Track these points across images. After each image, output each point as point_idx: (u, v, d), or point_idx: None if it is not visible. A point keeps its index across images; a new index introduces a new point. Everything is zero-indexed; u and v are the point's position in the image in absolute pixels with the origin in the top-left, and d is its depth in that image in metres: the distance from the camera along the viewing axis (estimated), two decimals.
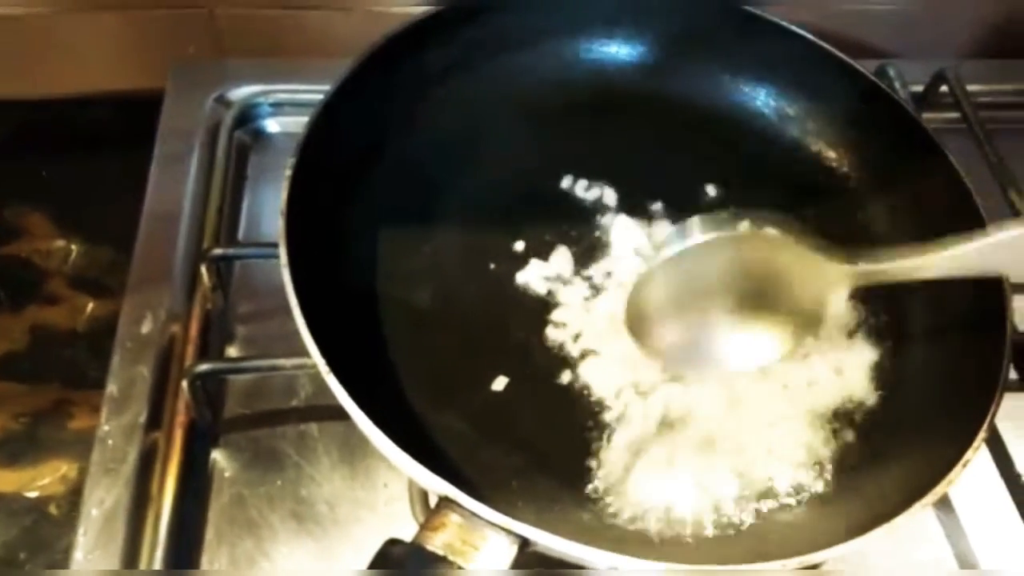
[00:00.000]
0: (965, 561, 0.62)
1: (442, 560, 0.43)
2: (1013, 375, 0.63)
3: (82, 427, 0.65)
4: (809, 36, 0.72)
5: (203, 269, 0.66)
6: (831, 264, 0.56)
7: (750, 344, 0.59)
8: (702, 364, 0.60)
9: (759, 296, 0.57)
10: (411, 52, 0.69)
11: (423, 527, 0.45)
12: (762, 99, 0.76)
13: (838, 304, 0.64)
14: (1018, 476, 0.64)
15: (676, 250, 0.56)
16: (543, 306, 0.65)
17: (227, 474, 0.62)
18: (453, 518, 0.45)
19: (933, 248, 0.54)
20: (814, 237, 0.56)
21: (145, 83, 0.81)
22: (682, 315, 0.58)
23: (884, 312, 0.67)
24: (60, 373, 0.69)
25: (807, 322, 0.59)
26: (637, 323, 0.58)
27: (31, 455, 0.65)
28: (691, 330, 0.59)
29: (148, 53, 0.84)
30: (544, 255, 0.68)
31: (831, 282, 0.57)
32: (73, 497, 0.61)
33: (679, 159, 0.74)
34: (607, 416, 0.61)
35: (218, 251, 0.67)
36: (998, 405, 0.55)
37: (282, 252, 0.54)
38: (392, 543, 0.44)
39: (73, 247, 0.76)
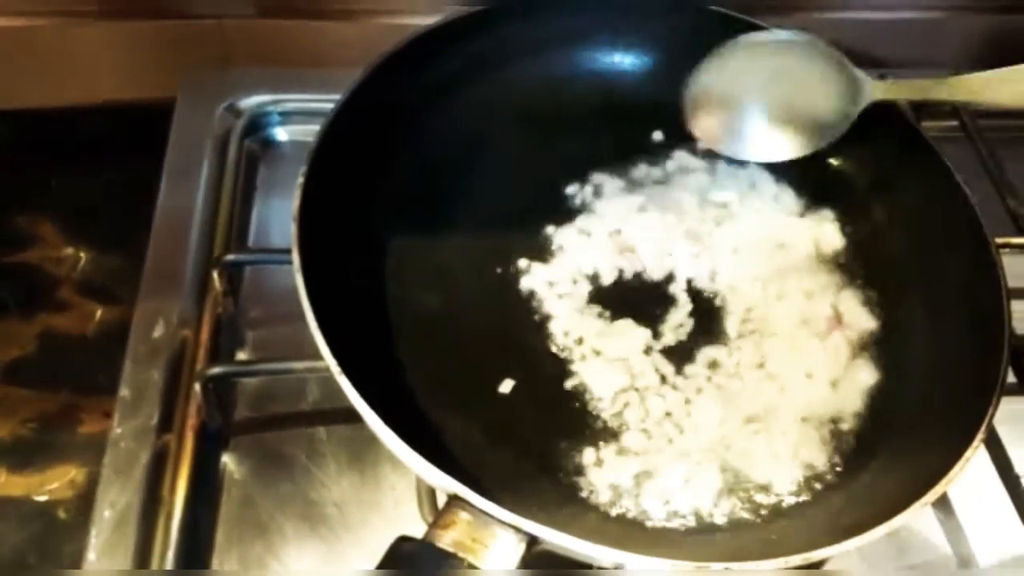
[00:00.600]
0: (964, 561, 0.62)
1: (452, 557, 0.44)
2: (1012, 378, 0.64)
3: (91, 432, 0.66)
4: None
5: (215, 275, 0.67)
6: (860, 75, 0.69)
7: (783, 134, 0.70)
8: (741, 146, 0.71)
9: (795, 93, 0.70)
10: (418, 63, 0.70)
11: (433, 525, 0.46)
12: None
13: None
14: (1017, 478, 0.65)
15: (732, 45, 0.70)
16: (547, 310, 0.66)
17: (237, 476, 0.63)
18: (462, 516, 0.46)
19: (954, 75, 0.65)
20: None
21: (155, 93, 0.82)
22: (731, 101, 0.71)
23: (883, 314, 0.68)
24: (69, 379, 0.69)
25: (832, 123, 0.69)
26: (694, 105, 0.71)
27: (40, 460, 0.65)
28: (737, 113, 0.71)
29: (158, 63, 0.85)
30: (549, 260, 0.69)
31: (857, 90, 0.69)
32: (82, 502, 0.61)
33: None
34: (609, 417, 0.61)
35: (230, 257, 0.68)
36: (996, 407, 0.56)
37: (295, 257, 0.55)
38: (403, 540, 0.45)
39: (82, 255, 0.77)
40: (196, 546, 0.59)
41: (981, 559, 0.62)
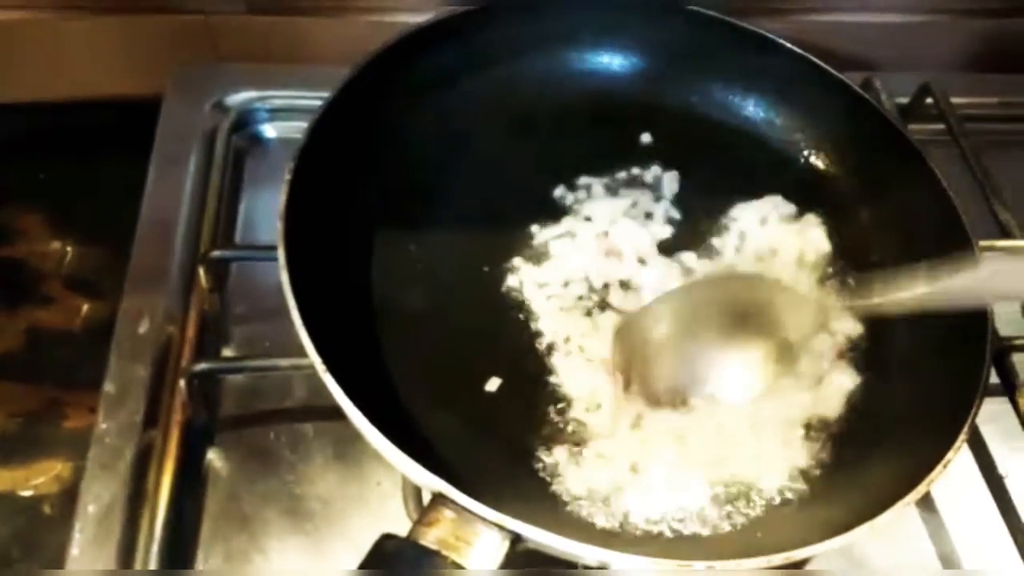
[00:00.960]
0: (948, 561, 0.63)
1: (436, 555, 0.44)
2: (995, 379, 0.65)
3: (76, 427, 0.66)
4: (795, 48, 0.73)
5: (201, 271, 0.67)
6: (815, 303, 0.62)
7: (737, 378, 0.62)
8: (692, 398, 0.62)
9: (744, 333, 0.62)
10: (408, 61, 0.70)
11: (417, 522, 0.46)
12: (751, 109, 0.78)
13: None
14: (1000, 478, 0.66)
15: (666, 293, 0.62)
16: (533, 310, 0.66)
17: (223, 472, 0.63)
18: (446, 514, 0.46)
19: (918, 282, 0.58)
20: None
21: (142, 88, 0.81)
22: (671, 354, 0.62)
23: (868, 316, 0.67)
24: (55, 373, 0.69)
25: (791, 354, 0.62)
26: (625, 364, 0.62)
27: (25, 454, 0.65)
28: (680, 368, 0.62)
29: (146, 58, 0.85)
30: (535, 261, 0.69)
31: (815, 318, 0.62)
32: (67, 497, 0.61)
33: (670, 167, 0.75)
34: (594, 419, 0.61)
35: (216, 253, 0.68)
36: (979, 408, 0.56)
37: (280, 254, 0.54)
38: (387, 538, 0.45)
39: (68, 249, 0.77)
40: (181, 541, 0.59)
41: (964, 557, 0.63)
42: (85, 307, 0.74)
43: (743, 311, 0.62)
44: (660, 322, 0.62)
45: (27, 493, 0.64)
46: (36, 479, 0.64)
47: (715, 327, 0.62)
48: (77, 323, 0.73)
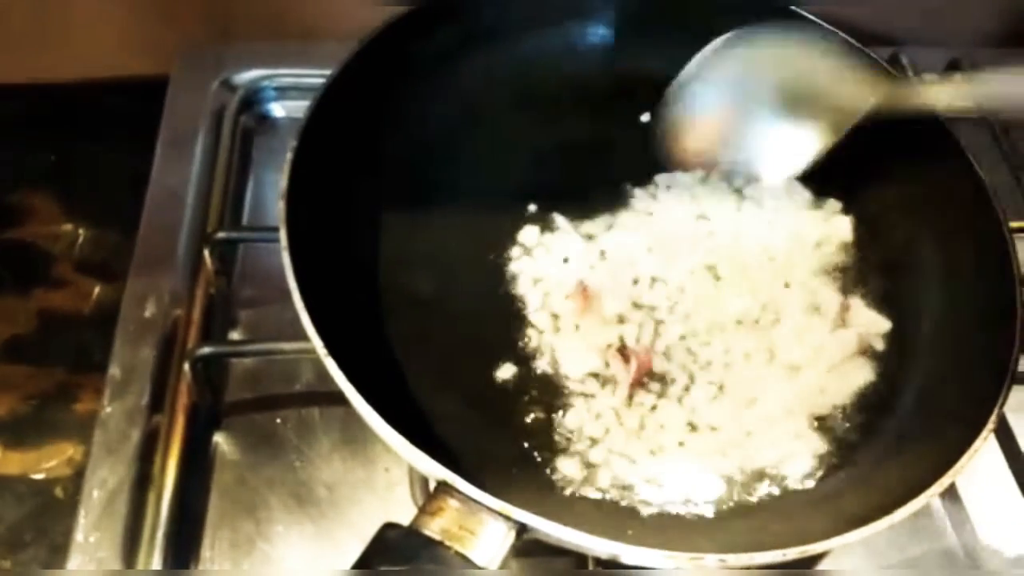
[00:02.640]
0: (970, 552, 0.61)
1: (439, 545, 0.43)
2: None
3: (88, 410, 0.65)
4: (820, 21, 0.70)
5: (207, 253, 0.66)
6: (859, 85, 0.60)
7: (783, 145, 0.61)
8: (739, 163, 0.62)
9: (792, 101, 0.61)
10: (412, 39, 0.68)
11: (421, 511, 0.45)
12: None
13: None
14: None
15: (719, 47, 0.62)
16: (541, 294, 0.65)
17: (229, 457, 0.62)
18: (451, 503, 0.45)
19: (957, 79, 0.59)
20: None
21: (151, 68, 0.81)
22: (723, 113, 0.62)
23: (893, 300, 0.66)
24: (66, 356, 0.69)
25: (834, 128, 0.61)
26: (678, 124, 0.63)
27: (37, 438, 0.65)
28: (731, 127, 0.62)
29: (154, 38, 0.83)
30: (545, 244, 0.67)
31: (859, 98, 0.60)
32: (78, 479, 0.60)
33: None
34: (599, 405, 0.60)
35: (222, 235, 0.67)
36: (1007, 396, 0.54)
37: (282, 235, 0.53)
38: (389, 527, 0.44)
39: (80, 231, 0.77)
40: (186, 525, 0.59)
41: (987, 549, 0.61)
42: (96, 290, 0.73)
43: (788, 78, 0.61)
44: (706, 82, 0.62)
45: (39, 476, 0.64)
46: (48, 462, 0.64)
47: (760, 92, 0.62)
48: (88, 306, 0.72)
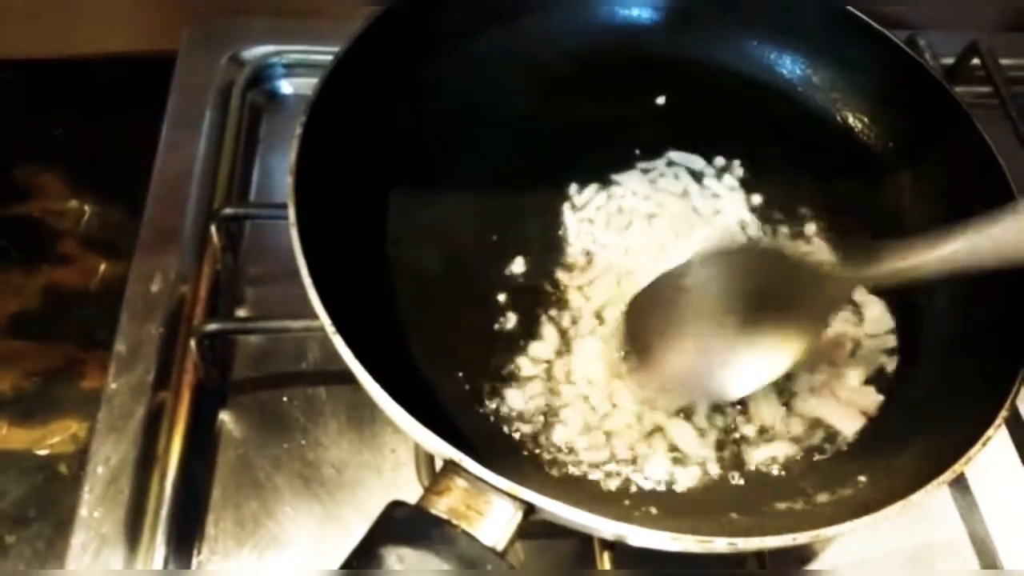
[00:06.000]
0: (978, 541, 0.60)
1: (446, 524, 0.42)
2: None
3: (93, 387, 0.65)
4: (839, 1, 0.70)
5: (213, 229, 0.66)
6: (833, 276, 0.55)
7: (753, 363, 0.56)
8: (704, 390, 0.57)
9: (759, 312, 0.55)
10: (425, 13, 0.68)
11: (427, 491, 0.44)
12: (788, 66, 0.74)
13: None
14: None
15: (674, 266, 0.57)
16: (550, 273, 0.64)
17: (234, 435, 0.62)
18: (458, 482, 0.44)
19: (956, 238, 0.50)
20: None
21: (160, 44, 0.80)
22: (681, 336, 0.57)
23: (908, 288, 0.64)
24: (72, 333, 0.69)
25: (810, 334, 0.56)
26: (634, 345, 0.58)
27: (42, 414, 0.65)
28: (692, 352, 0.56)
29: (162, 13, 0.83)
30: (555, 224, 0.66)
31: (834, 293, 0.56)
32: (83, 456, 0.60)
33: (698, 126, 0.72)
34: (604, 391, 0.59)
35: (229, 211, 0.66)
36: (1021, 384, 0.53)
37: (291, 211, 0.53)
38: (396, 505, 0.43)
39: (86, 208, 0.76)
40: (190, 503, 0.58)
41: (995, 538, 0.60)
42: (102, 266, 0.73)
43: (759, 290, 0.56)
44: (669, 301, 0.57)
45: (43, 452, 0.63)
46: (52, 438, 0.64)
47: (726, 309, 0.56)
48: (94, 282, 0.72)
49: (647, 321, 0.58)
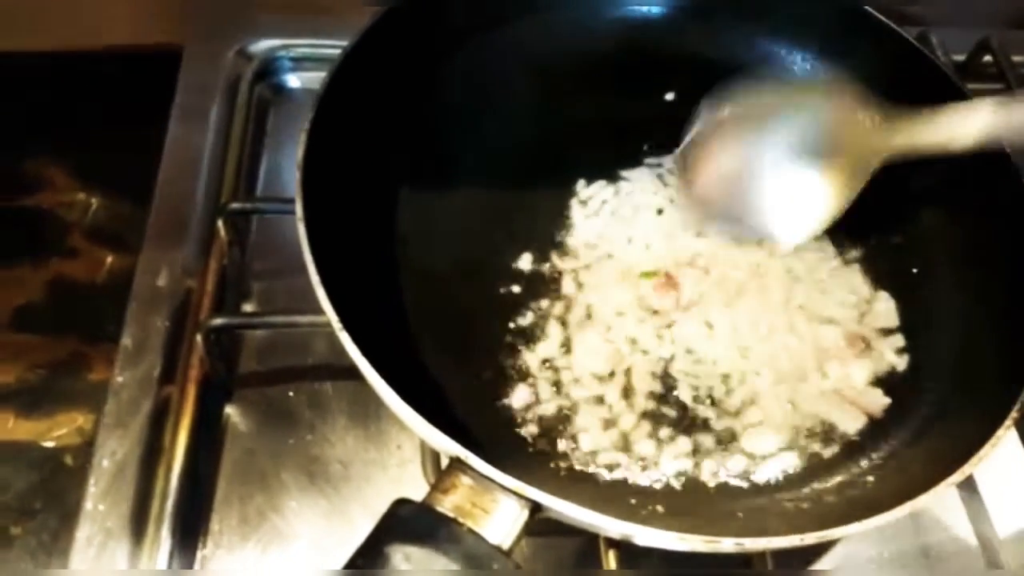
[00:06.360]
0: (985, 542, 0.60)
1: (452, 522, 0.42)
2: None
3: (99, 379, 0.65)
4: None
5: (220, 223, 0.66)
6: (873, 130, 0.57)
7: (801, 202, 0.58)
8: (754, 221, 0.60)
9: (810, 148, 0.58)
10: (435, 9, 0.67)
11: (433, 488, 0.44)
12: (799, 63, 0.73)
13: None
14: None
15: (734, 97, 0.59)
16: (560, 272, 0.64)
17: (240, 429, 0.62)
18: (464, 480, 0.44)
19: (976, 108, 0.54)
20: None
21: (167, 37, 0.79)
22: (739, 164, 0.59)
23: (919, 289, 0.64)
24: (78, 326, 0.69)
25: (853, 179, 0.58)
26: (694, 173, 0.60)
27: (48, 406, 0.65)
28: (747, 181, 0.59)
29: (169, 6, 0.83)
30: (564, 223, 0.66)
31: (875, 146, 0.57)
32: (89, 448, 0.60)
33: None
34: (612, 389, 0.59)
35: (236, 205, 0.66)
36: None
37: (298, 206, 0.52)
38: (401, 502, 0.43)
39: (93, 200, 0.76)
40: (195, 498, 0.58)
41: (1002, 540, 0.60)
42: (109, 259, 0.73)
43: (809, 126, 0.59)
44: (726, 130, 0.60)
45: (49, 444, 0.63)
46: (58, 430, 0.64)
47: (780, 148, 0.59)
48: (101, 275, 0.72)
49: (705, 149, 0.61)
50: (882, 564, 0.60)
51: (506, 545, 0.43)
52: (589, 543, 0.55)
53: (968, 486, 0.62)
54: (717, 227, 0.61)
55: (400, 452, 0.61)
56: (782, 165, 0.59)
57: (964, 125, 0.55)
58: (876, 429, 0.59)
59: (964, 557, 0.61)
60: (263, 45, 0.79)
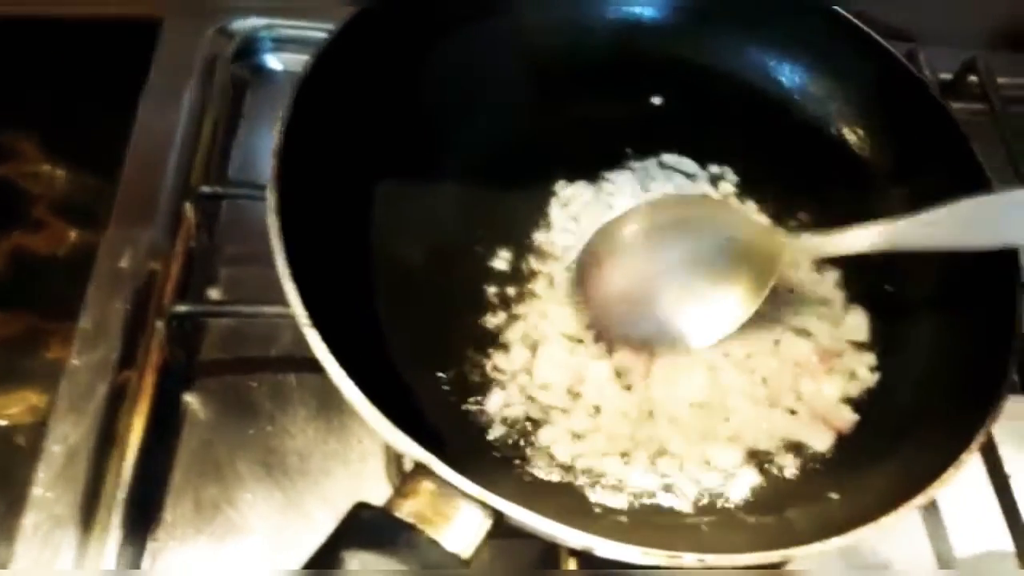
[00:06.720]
0: (944, 560, 0.60)
1: (411, 529, 0.41)
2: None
3: (55, 358, 0.63)
4: (842, 12, 0.68)
5: (188, 206, 0.64)
6: (777, 237, 0.59)
7: (704, 312, 0.58)
8: (654, 334, 0.58)
9: (710, 263, 0.58)
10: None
11: (396, 493, 0.43)
12: (787, 75, 0.72)
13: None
14: (1007, 478, 0.63)
15: (626, 210, 0.59)
16: (536, 271, 0.63)
17: (199, 418, 0.61)
18: (427, 485, 0.43)
19: (876, 224, 0.56)
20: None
21: (146, 9, 0.77)
22: (633, 279, 0.58)
23: (893, 305, 0.64)
24: (37, 301, 0.66)
25: (755, 290, 0.58)
26: (585, 287, 0.59)
27: (1, 383, 0.62)
28: (642, 295, 0.58)
29: None
30: (542, 220, 0.65)
31: (780, 254, 0.58)
32: (41, 428, 0.58)
33: (692, 129, 0.71)
34: (580, 399, 0.58)
35: (206, 189, 0.64)
36: (997, 409, 0.53)
37: (270, 196, 0.50)
38: (361, 507, 0.42)
39: (60, 172, 0.74)
40: (149, 487, 0.57)
41: (960, 559, 0.60)
42: (73, 234, 0.71)
43: (708, 241, 0.59)
44: (621, 247, 0.60)
45: (1, 422, 0.61)
46: (10, 408, 0.62)
47: (678, 258, 0.59)
48: (64, 250, 0.70)
49: (599, 268, 0.60)
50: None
51: (466, 553, 0.42)
52: (553, 545, 0.54)
53: (930, 506, 0.62)
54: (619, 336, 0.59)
55: (361, 446, 0.60)
56: (680, 278, 0.58)
57: (857, 240, 0.57)
58: (844, 446, 0.58)
59: (921, 574, 0.61)
60: (244, 23, 0.77)
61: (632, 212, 0.61)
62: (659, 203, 0.63)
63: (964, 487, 0.60)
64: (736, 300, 0.58)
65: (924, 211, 0.55)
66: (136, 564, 0.54)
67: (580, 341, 0.60)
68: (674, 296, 0.58)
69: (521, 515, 0.43)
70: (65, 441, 0.56)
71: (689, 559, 0.44)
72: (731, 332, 0.58)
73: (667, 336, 0.58)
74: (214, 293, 0.66)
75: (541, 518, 0.43)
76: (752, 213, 0.66)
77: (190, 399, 0.61)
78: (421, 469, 0.43)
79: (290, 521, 0.57)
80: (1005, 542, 0.60)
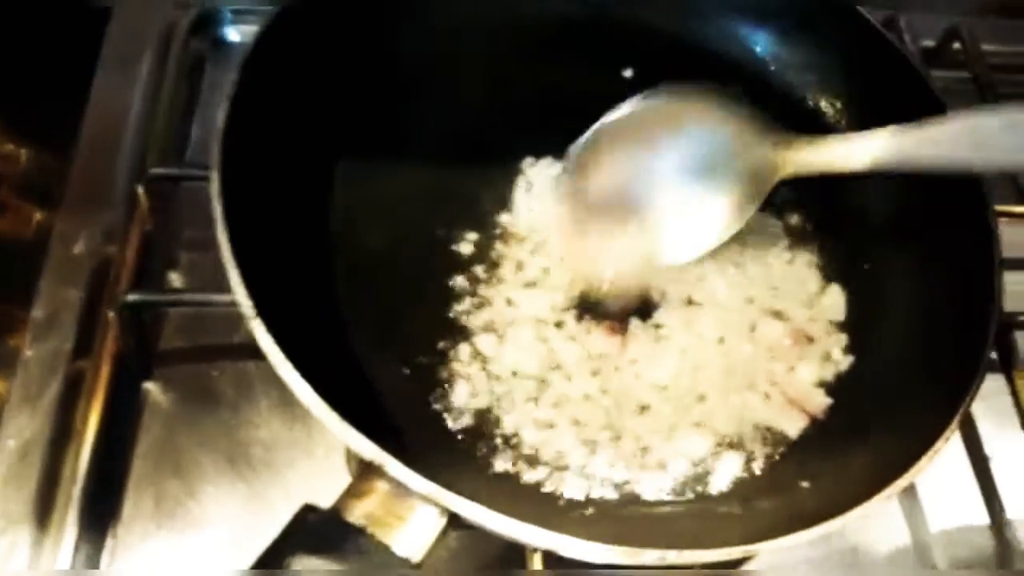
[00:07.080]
0: (921, 547, 0.59)
1: (360, 532, 0.40)
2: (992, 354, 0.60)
3: (18, 345, 0.61)
4: None
5: (141, 189, 0.62)
6: (778, 152, 0.56)
7: (692, 221, 0.57)
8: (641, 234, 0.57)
9: (702, 166, 0.57)
10: None
11: (347, 493, 0.42)
12: (762, 45, 0.70)
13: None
14: (985, 459, 0.62)
15: (623, 111, 0.58)
16: (499, 257, 0.61)
17: (160, 408, 0.59)
18: (380, 485, 0.42)
19: (873, 135, 0.54)
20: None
21: None
22: (629, 176, 0.57)
23: (870, 283, 0.63)
24: (2, 285, 0.64)
25: (747, 199, 0.57)
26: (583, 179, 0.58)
27: None
28: (632, 197, 0.57)
29: None
30: (509, 203, 0.63)
31: (777, 171, 0.56)
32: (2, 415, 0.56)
33: None
34: (547, 389, 0.56)
35: (158, 171, 0.62)
36: (974, 394, 0.52)
37: (214, 179, 0.48)
38: (308, 510, 0.41)
39: (23, 152, 0.72)
40: (107, 481, 0.55)
41: (938, 545, 0.59)
42: (38, 216, 0.69)
43: (707, 149, 0.57)
44: (613, 146, 0.59)
45: None
46: None
47: (672, 166, 0.57)
48: (29, 232, 0.68)
49: (591, 169, 0.59)
50: (814, 563, 0.59)
51: (417, 557, 0.41)
52: (518, 550, 0.53)
53: (907, 489, 0.60)
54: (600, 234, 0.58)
55: (326, 438, 0.58)
56: (674, 181, 0.57)
57: (860, 150, 0.55)
58: (813, 432, 0.57)
59: (897, 556, 0.60)
60: None
61: (636, 111, 0.60)
62: (664, 100, 0.60)
63: (941, 464, 0.60)
64: (724, 214, 0.57)
65: (931, 124, 0.53)
66: (94, 563, 0.53)
67: (551, 324, 0.59)
68: (662, 202, 0.57)
69: (476, 514, 0.41)
70: (20, 435, 0.55)
71: (652, 555, 0.43)
72: (712, 246, 0.57)
73: (650, 244, 0.57)
74: (174, 278, 0.64)
75: (497, 516, 0.41)
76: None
77: (150, 388, 0.60)
78: (375, 467, 0.42)
79: (254, 513, 0.56)
80: (982, 517, 0.60)
